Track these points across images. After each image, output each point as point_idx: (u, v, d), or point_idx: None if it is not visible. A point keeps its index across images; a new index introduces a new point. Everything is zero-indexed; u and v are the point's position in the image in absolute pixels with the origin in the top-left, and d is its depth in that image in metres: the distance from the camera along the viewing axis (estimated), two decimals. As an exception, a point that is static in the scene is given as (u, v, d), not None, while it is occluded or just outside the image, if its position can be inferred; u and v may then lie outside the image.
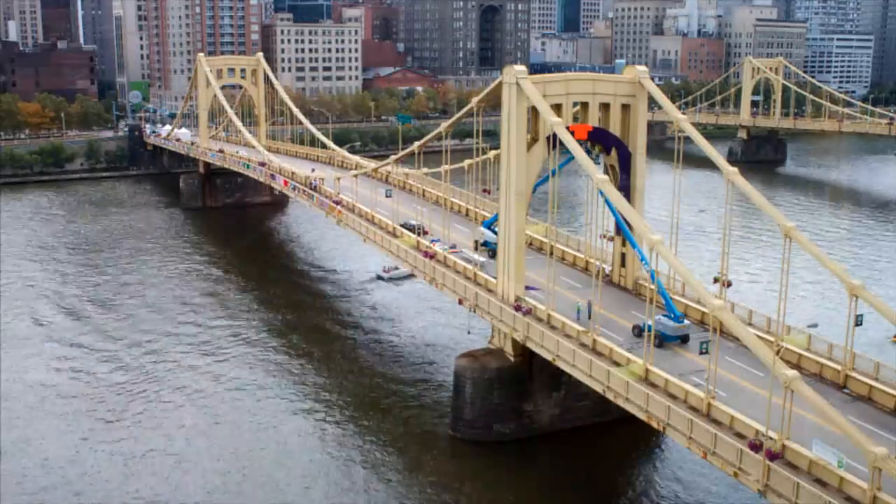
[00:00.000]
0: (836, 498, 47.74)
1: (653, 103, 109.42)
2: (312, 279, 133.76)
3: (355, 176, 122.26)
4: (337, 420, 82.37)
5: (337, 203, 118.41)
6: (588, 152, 77.14)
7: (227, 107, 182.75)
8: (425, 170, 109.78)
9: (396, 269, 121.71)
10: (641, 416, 60.66)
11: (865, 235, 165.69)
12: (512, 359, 77.05)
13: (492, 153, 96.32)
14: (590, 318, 71.64)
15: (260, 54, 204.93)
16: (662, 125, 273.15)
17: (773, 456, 50.83)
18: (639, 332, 70.85)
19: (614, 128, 79.83)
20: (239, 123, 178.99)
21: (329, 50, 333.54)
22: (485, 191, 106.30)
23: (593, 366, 65.23)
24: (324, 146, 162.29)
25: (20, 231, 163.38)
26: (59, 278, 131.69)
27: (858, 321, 62.18)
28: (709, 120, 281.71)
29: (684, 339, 69.79)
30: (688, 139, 75.97)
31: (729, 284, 72.53)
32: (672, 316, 70.51)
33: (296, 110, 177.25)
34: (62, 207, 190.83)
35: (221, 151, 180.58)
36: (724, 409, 57.33)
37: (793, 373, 51.10)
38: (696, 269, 64.90)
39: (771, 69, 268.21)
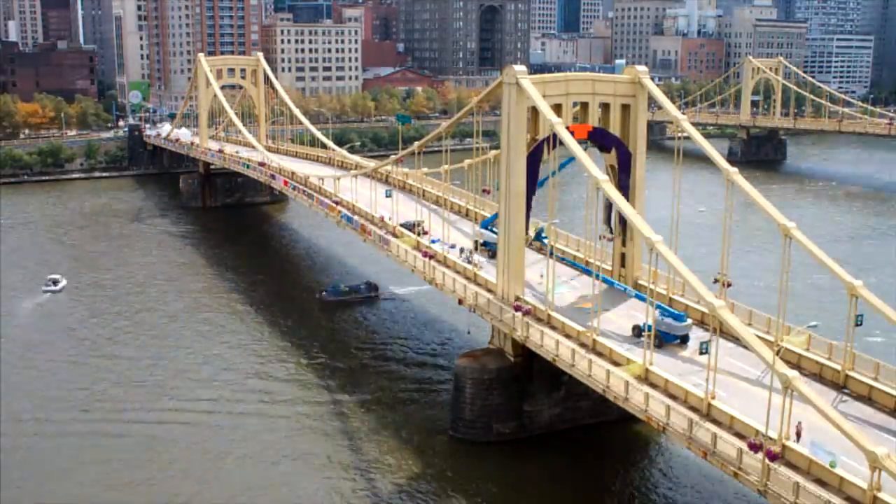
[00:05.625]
0: (835, 498, 47.77)
1: (653, 103, 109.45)
2: (312, 279, 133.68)
3: (355, 176, 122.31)
4: (336, 420, 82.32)
5: (337, 203, 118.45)
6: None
7: (227, 107, 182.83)
8: (425, 170, 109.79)
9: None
10: (641, 416, 60.66)
11: (866, 235, 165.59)
12: (512, 359, 77.03)
13: (492, 153, 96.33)
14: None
15: (260, 54, 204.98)
16: (662, 125, 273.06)
17: (773, 456, 50.82)
18: (638, 332, 70.85)
19: (614, 128, 79.84)
20: (239, 123, 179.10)
21: (329, 50, 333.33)
22: (485, 191, 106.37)
23: (593, 366, 65.23)
24: (323, 146, 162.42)
25: (20, 231, 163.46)
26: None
27: (858, 321, 62.18)
28: (709, 120, 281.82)
29: (684, 340, 69.82)
30: (688, 139, 76.01)
31: (729, 284, 72.57)
32: (674, 316, 70.51)
33: (296, 110, 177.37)
34: (62, 207, 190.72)
35: (221, 151, 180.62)
36: (723, 409, 57.34)
37: (793, 373, 51.11)
38: (696, 269, 64.95)
39: (771, 69, 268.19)
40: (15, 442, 77.36)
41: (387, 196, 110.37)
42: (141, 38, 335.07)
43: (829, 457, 49.93)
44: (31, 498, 68.91)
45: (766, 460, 50.55)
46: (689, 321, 70.93)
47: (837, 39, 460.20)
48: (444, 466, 73.99)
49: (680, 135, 77.52)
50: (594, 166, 70.31)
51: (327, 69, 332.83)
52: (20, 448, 76.54)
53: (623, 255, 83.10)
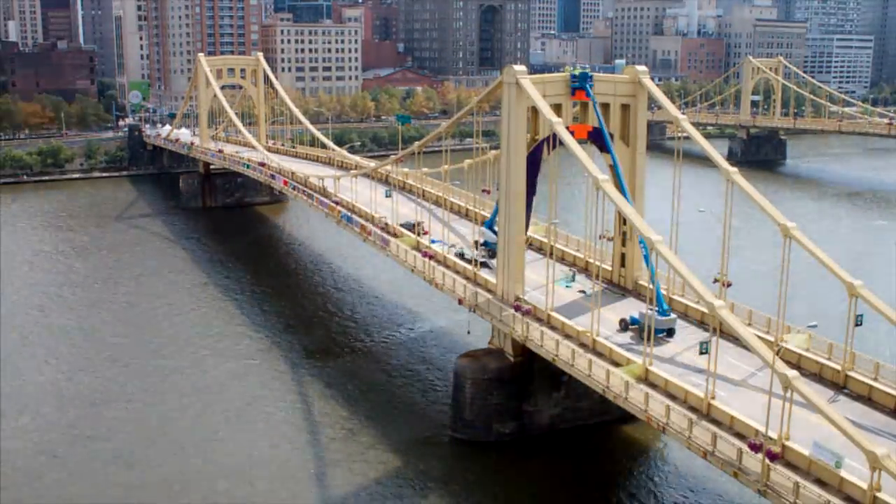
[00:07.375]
0: (835, 498, 47.75)
1: (653, 103, 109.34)
2: (312, 279, 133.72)
3: (355, 176, 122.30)
4: (336, 420, 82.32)
5: (337, 203, 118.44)
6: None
7: (227, 107, 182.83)
8: (425, 170, 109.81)
9: None
10: (641, 416, 60.65)
11: (866, 234, 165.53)
12: (512, 359, 77.00)
13: (492, 153, 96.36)
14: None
15: (260, 54, 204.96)
16: (662, 125, 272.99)
17: (773, 456, 50.80)
18: (625, 326, 71.57)
19: (614, 128, 79.82)
20: (239, 123, 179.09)
21: (329, 50, 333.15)
22: (485, 191, 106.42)
23: (593, 366, 65.23)
24: (323, 146, 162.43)
25: (21, 231, 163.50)
26: (57, 279, 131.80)
27: (858, 321, 62.15)
28: (709, 120, 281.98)
29: (670, 333, 70.11)
30: (688, 139, 76.02)
31: (729, 284, 72.59)
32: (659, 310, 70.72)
33: (296, 110, 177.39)
34: (63, 208, 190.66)
35: (221, 151, 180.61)
36: (723, 409, 57.32)
37: (793, 372, 51.10)
38: (696, 269, 65.11)
39: (771, 69, 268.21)
40: None
41: (386, 196, 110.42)
42: (141, 38, 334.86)
43: (833, 457, 49.79)
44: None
45: (766, 460, 50.55)
46: (673, 315, 71.24)
47: (837, 39, 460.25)
48: (444, 466, 73.97)
49: (680, 135, 77.54)
50: (594, 166, 70.32)
51: (327, 69, 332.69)
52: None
53: (623, 255, 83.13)
